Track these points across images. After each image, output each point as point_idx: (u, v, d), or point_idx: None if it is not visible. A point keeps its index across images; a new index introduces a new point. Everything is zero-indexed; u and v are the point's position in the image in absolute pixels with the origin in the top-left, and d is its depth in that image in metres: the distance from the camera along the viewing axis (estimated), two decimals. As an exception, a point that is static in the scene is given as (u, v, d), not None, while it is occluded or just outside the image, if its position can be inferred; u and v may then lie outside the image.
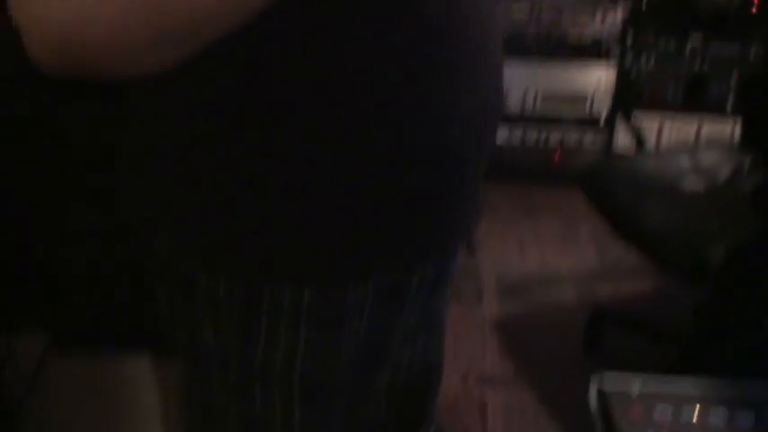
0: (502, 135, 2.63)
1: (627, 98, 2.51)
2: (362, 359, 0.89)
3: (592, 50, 2.55)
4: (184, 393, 0.98)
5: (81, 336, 1.47)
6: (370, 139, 0.76)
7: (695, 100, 2.65)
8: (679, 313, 1.97)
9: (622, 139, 2.61)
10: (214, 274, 0.83)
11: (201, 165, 0.79)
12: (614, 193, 1.90)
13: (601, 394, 1.00)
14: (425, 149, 0.80)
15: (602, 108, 2.62)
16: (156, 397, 1.55)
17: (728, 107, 2.61)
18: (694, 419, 0.97)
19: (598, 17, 2.53)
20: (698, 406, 0.99)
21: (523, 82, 2.59)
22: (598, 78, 2.58)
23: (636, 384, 1.02)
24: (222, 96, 0.76)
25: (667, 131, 2.62)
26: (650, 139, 2.50)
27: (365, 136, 0.76)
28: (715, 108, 2.62)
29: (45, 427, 1.59)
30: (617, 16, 2.53)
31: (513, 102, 2.59)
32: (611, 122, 2.63)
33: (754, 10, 2.45)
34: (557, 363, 2.02)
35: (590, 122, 2.64)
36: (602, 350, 2.04)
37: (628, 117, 2.26)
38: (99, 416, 1.57)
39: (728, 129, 2.61)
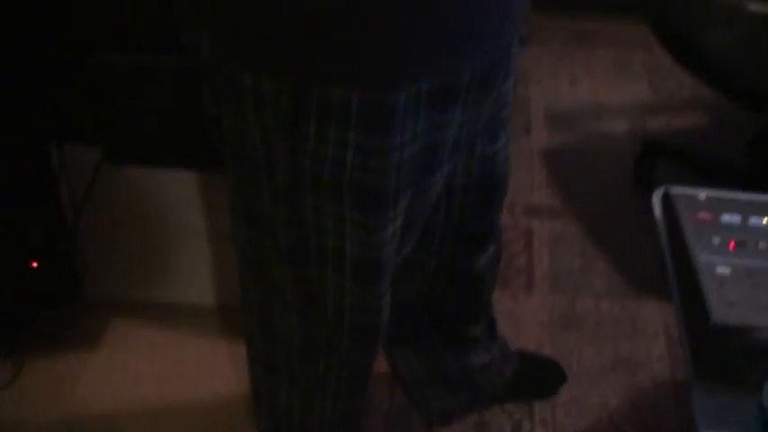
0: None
1: None
2: (415, 163, 0.87)
3: None
4: (232, 201, 0.98)
5: (132, 151, 1.45)
6: None
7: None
8: (733, 147, 1.91)
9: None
10: (259, 75, 0.80)
11: None
12: (675, 15, 1.80)
13: (666, 198, 0.97)
14: None
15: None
16: (206, 213, 1.56)
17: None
18: (764, 222, 0.94)
19: None
20: (766, 217, 0.96)
21: None
22: None
23: (703, 192, 0.99)
24: None
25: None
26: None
27: None
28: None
29: (98, 240, 1.62)
30: None
31: None
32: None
33: None
34: (605, 195, 1.99)
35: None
36: (653, 183, 2.00)
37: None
38: (151, 229, 1.59)
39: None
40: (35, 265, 1.56)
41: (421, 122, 0.83)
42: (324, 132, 0.81)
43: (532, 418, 1.47)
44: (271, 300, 1.02)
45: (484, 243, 1.21)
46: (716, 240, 0.91)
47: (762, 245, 0.91)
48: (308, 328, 1.01)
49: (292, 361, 1.06)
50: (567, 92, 2.33)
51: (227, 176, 0.95)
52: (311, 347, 1.04)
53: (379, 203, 0.87)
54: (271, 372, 1.11)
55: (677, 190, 0.99)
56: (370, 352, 1.05)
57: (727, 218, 0.95)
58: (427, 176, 0.91)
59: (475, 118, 0.92)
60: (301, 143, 0.83)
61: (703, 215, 0.95)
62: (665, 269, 0.91)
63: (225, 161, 0.94)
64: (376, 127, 0.81)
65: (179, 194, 1.54)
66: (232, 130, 0.88)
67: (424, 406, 1.45)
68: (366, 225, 0.88)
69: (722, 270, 0.87)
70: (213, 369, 1.56)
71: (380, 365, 1.42)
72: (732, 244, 0.91)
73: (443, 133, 0.87)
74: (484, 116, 0.95)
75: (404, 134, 0.82)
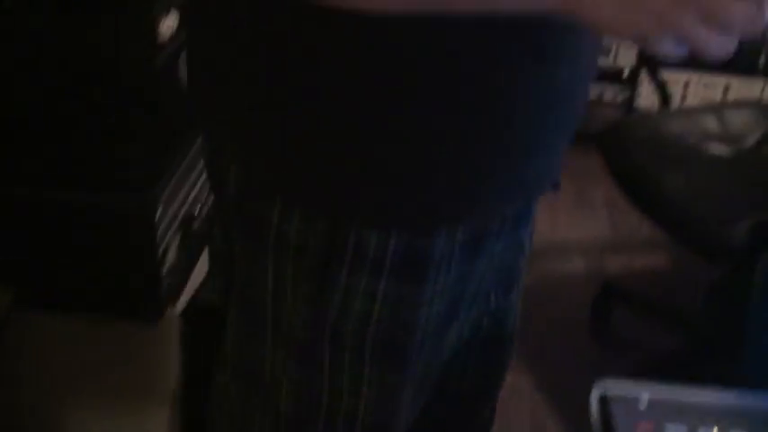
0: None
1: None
2: (440, 317, 0.81)
3: None
4: (225, 359, 0.88)
5: (50, 294, 1.31)
6: (456, 87, 0.70)
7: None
8: (693, 293, 1.81)
9: (645, 95, 2.41)
10: (289, 212, 0.74)
11: (281, 91, 0.71)
12: (633, 154, 1.72)
13: (603, 402, 0.84)
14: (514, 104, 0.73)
15: (626, 61, 2.43)
16: (138, 367, 1.39)
17: (760, 66, 2.40)
18: (713, 439, 0.81)
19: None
20: (715, 427, 0.83)
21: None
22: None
23: (645, 394, 0.86)
24: (303, 29, 0.69)
25: (693, 90, 2.42)
26: (675, 98, 2.31)
27: (451, 83, 0.70)
28: (745, 67, 2.41)
29: (9, 387, 1.44)
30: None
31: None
32: (634, 76, 2.43)
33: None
34: (560, 342, 1.86)
35: (612, 75, 2.45)
36: (610, 328, 1.88)
37: (653, 72, 2.06)
38: (74, 382, 1.42)
39: (758, 89, 2.41)
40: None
41: (452, 272, 0.79)
42: (355, 281, 0.74)
43: None
44: None
45: (479, 408, 1.07)
46: (659, 460, 0.78)
47: (711, 468, 0.78)
48: None
49: None
50: (523, 224, 2.23)
51: (231, 330, 0.86)
52: None
53: (403, 360, 0.80)
54: None
55: (616, 390, 0.87)
56: None
57: (673, 429, 0.82)
58: (445, 331, 0.84)
59: (497, 267, 0.86)
60: (326, 294, 0.75)
61: (645, 426, 0.82)
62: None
63: (228, 313, 0.86)
64: (410, 275, 0.76)
65: (102, 348, 1.38)
66: (240, 276, 0.81)
67: None
68: (386, 384, 0.80)
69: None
70: None
71: None
72: (677, 466, 0.78)
73: (466, 284, 0.81)
74: (504, 265, 0.87)
75: (435, 284, 0.78)
